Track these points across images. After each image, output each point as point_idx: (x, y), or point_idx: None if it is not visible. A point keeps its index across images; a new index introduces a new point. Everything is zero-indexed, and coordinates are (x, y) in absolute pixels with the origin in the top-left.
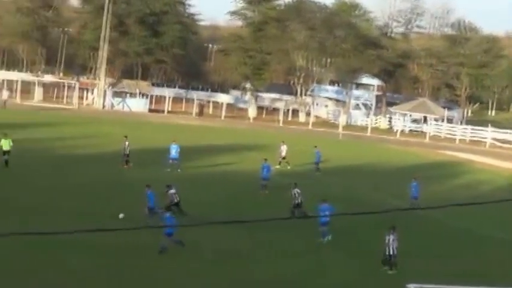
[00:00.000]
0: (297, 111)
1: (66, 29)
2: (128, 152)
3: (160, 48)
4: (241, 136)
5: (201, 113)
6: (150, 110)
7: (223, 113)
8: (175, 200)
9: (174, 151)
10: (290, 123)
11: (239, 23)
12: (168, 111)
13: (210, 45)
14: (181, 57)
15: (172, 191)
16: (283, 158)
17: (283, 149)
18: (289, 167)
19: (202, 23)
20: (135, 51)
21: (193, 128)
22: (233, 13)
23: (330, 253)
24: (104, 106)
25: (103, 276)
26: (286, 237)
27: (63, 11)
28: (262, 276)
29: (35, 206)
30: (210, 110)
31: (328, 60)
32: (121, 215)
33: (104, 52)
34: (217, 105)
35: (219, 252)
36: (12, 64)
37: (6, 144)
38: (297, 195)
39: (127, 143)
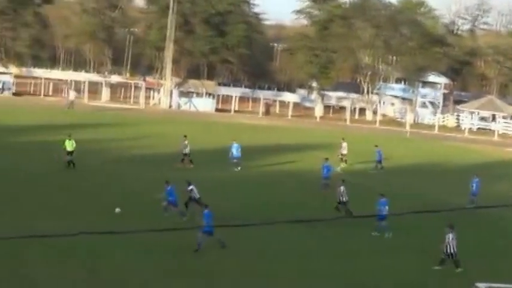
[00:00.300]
0: (364, 109)
1: (131, 29)
2: (187, 152)
3: (226, 48)
4: (308, 135)
5: (267, 112)
6: (217, 110)
7: (290, 112)
8: (196, 196)
9: (235, 150)
10: (357, 122)
11: (304, 21)
12: (235, 111)
13: (276, 44)
14: (247, 57)
15: (191, 187)
16: (343, 155)
17: (344, 146)
18: (346, 165)
19: (267, 22)
20: (201, 51)
21: (260, 127)
22: (298, 12)
23: (395, 252)
24: (170, 106)
25: (161, 275)
26: (350, 236)
27: (129, 11)
28: (326, 275)
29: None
30: (277, 109)
31: (394, 58)
32: (117, 210)
33: (169, 52)
34: (283, 105)
35: (284, 251)
36: (79, 65)
37: (69, 145)
38: (343, 192)
39: (186, 142)
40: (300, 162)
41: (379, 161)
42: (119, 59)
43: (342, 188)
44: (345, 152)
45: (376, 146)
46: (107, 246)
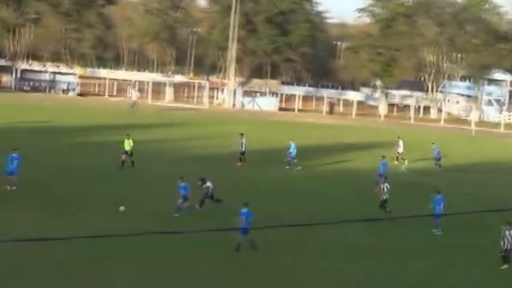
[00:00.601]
0: (428, 107)
1: (194, 29)
2: (243, 150)
3: (289, 47)
4: (372, 134)
5: (331, 111)
6: (280, 109)
7: (354, 111)
8: (209, 193)
9: (292, 150)
10: (421, 120)
11: (367, 19)
12: (298, 110)
13: (339, 42)
14: (310, 56)
15: (208, 184)
16: (399, 153)
17: (400, 144)
18: (404, 163)
19: (330, 21)
20: (264, 50)
21: (324, 126)
22: (361, 10)
23: (459, 250)
24: (234, 105)
25: (230, 274)
26: (412, 235)
27: (192, 11)
28: (388, 274)
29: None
30: (341, 108)
31: (459, 55)
32: (122, 208)
33: (232, 51)
34: (347, 103)
35: (347, 250)
36: (142, 65)
37: (127, 145)
38: (385, 190)
39: (243, 140)
40: (362, 160)
41: (438, 159)
42: (182, 58)
43: (385, 185)
44: (400, 150)
45: (433, 143)
46: (171, 245)
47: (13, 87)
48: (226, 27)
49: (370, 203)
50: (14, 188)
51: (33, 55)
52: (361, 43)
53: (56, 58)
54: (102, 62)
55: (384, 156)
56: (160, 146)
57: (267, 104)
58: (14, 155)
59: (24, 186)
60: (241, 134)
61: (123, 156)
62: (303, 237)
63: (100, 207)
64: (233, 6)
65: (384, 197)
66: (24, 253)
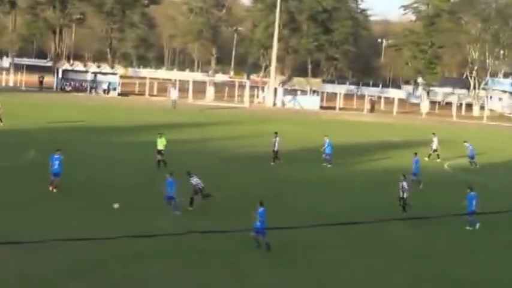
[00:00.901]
0: (471, 105)
1: (237, 28)
2: (276, 149)
3: (332, 45)
4: (413, 132)
5: (372, 109)
6: (322, 107)
7: (395, 109)
8: (199, 187)
9: (328, 147)
10: (464, 118)
11: (411, 17)
12: (340, 108)
13: (382, 40)
14: (352, 54)
15: (195, 179)
16: (434, 150)
17: (435, 141)
18: (438, 160)
19: (373, 18)
20: (306, 49)
21: (365, 124)
22: (405, 7)
23: (504, 251)
24: (274, 104)
25: (279, 273)
26: (457, 234)
27: (235, 9)
28: (437, 274)
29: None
30: (382, 106)
31: (502, 52)
32: (115, 205)
33: (274, 50)
34: (389, 101)
35: (392, 249)
36: (184, 64)
37: (160, 144)
38: (403, 188)
39: (277, 139)
40: (403, 158)
41: (472, 157)
42: (224, 57)
43: (403, 183)
44: (434, 146)
45: (466, 141)
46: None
47: (56, 87)
48: (269, 25)
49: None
50: (55, 190)
51: (76, 55)
52: (404, 40)
53: (99, 58)
54: (144, 62)
55: (415, 153)
56: (199, 145)
57: (308, 102)
58: (56, 155)
59: (67, 186)
60: (276, 133)
61: (158, 156)
62: (346, 236)
63: (142, 207)
64: (278, 5)
65: (403, 195)
66: (72, 252)
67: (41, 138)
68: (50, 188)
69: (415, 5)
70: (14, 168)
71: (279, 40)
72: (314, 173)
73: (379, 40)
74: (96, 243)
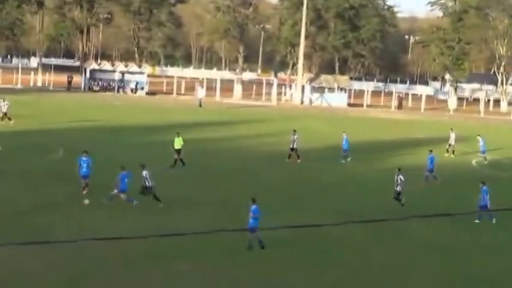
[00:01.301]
0: (499, 101)
1: (264, 26)
2: (294, 146)
3: (359, 42)
4: (441, 128)
5: (400, 106)
6: (349, 105)
7: (423, 106)
8: (146, 184)
9: (345, 142)
10: (491, 114)
11: (438, 13)
12: (367, 105)
13: (409, 37)
14: (379, 50)
15: (145, 172)
16: (451, 146)
17: (452, 137)
18: (453, 156)
19: (400, 15)
20: (334, 46)
21: (393, 121)
22: (432, 3)
23: None
24: (302, 102)
25: (313, 270)
26: (487, 229)
27: (262, 8)
28: (473, 270)
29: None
30: (410, 103)
31: None
32: (86, 201)
33: (302, 48)
34: (416, 98)
35: (425, 245)
36: (212, 62)
37: (178, 143)
38: (399, 181)
39: (295, 137)
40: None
41: (483, 152)
42: (251, 55)
43: (399, 176)
44: (452, 143)
45: (478, 135)
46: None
47: (83, 87)
48: (296, 23)
49: (440, 198)
50: (84, 192)
51: (104, 55)
52: (431, 37)
53: (126, 57)
54: (171, 61)
55: (430, 150)
56: (223, 143)
57: (336, 99)
58: (84, 158)
59: (96, 186)
60: (294, 130)
61: (176, 155)
62: (370, 233)
63: (170, 206)
64: (304, 2)
65: (398, 189)
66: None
67: (68, 138)
68: (84, 192)
69: (442, 1)
70: (42, 168)
71: (306, 37)
72: (338, 171)
73: (406, 37)
74: (127, 242)
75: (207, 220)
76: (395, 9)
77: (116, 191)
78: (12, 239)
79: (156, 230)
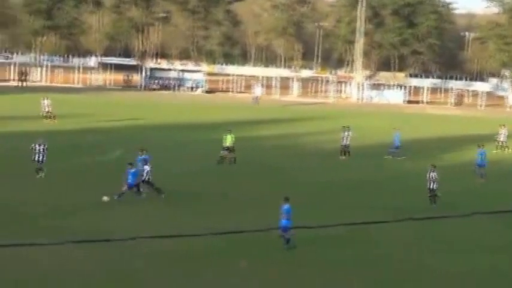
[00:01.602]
0: None
1: (321, 23)
2: (346, 143)
3: (416, 39)
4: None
5: (459, 102)
6: (408, 102)
7: (482, 102)
8: (146, 178)
9: (397, 139)
10: None
11: (496, 9)
12: (426, 102)
13: (466, 33)
14: (437, 47)
15: (146, 167)
16: (502, 141)
17: (502, 132)
18: (510, 151)
19: (457, 11)
20: (391, 43)
21: (451, 118)
22: (490, 0)
23: None
24: (361, 99)
25: (363, 266)
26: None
27: (319, 5)
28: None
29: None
30: (468, 99)
31: None
32: (104, 198)
33: (359, 45)
34: (475, 94)
35: (478, 244)
36: (269, 61)
37: (229, 140)
38: (432, 178)
39: (346, 133)
40: (488, 152)
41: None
42: (309, 53)
43: (432, 174)
44: (502, 138)
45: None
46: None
47: (142, 86)
48: (353, 20)
49: (494, 196)
50: (142, 190)
51: (161, 53)
52: (489, 33)
53: (184, 56)
54: (229, 59)
55: (480, 145)
56: (278, 141)
57: (394, 96)
58: (142, 156)
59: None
60: (345, 127)
61: (226, 153)
62: (424, 232)
63: (223, 205)
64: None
65: (432, 186)
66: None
67: (125, 137)
68: (141, 190)
69: None
70: (100, 166)
71: (364, 35)
72: (389, 168)
73: (464, 33)
74: (183, 239)
75: (261, 218)
76: (452, 6)
77: (125, 188)
78: (67, 237)
79: (210, 229)
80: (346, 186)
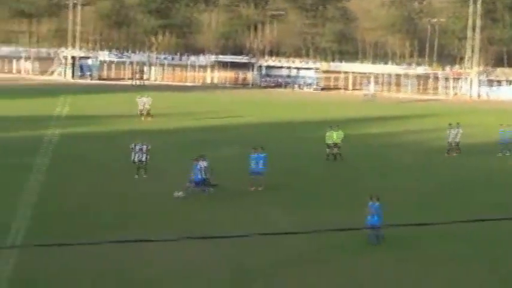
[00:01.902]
0: None
1: (434, 19)
2: (452, 140)
3: None
4: None
5: None
6: None
7: None
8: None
9: (501, 135)
10: None
11: None
12: None
13: None
14: None
15: (201, 163)
16: None
17: None
18: None
19: None
20: (501, 39)
21: None
22: None
23: None
24: (478, 96)
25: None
26: None
27: (432, 1)
28: None
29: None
30: None
31: None
32: (176, 193)
33: (473, 41)
34: None
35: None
36: (382, 57)
37: (337, 137)
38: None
39: (452, 130)
40: None
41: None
42: (422, 49)
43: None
44: None
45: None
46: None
47: (254, 83)
48: (466, 16)
49: None
50: (260, 188)
51: (275, 51)
52: None
53: (297, 53)
54: (342, 56)
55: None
56: (389, 138)
57: (510, 93)
58: (258, 154)
59: (269, 183)
60: (454, 124)
61: (334, 149)
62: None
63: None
64: None
65: None
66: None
67: (241, 134)
68: (252, 189)
69: None
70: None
71: (478, 31)
72: (497, 165)
73: None
74: (297, 237)
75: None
76: None
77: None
78: (182, 234)
79: (324, 225)
80: (454, 185)
